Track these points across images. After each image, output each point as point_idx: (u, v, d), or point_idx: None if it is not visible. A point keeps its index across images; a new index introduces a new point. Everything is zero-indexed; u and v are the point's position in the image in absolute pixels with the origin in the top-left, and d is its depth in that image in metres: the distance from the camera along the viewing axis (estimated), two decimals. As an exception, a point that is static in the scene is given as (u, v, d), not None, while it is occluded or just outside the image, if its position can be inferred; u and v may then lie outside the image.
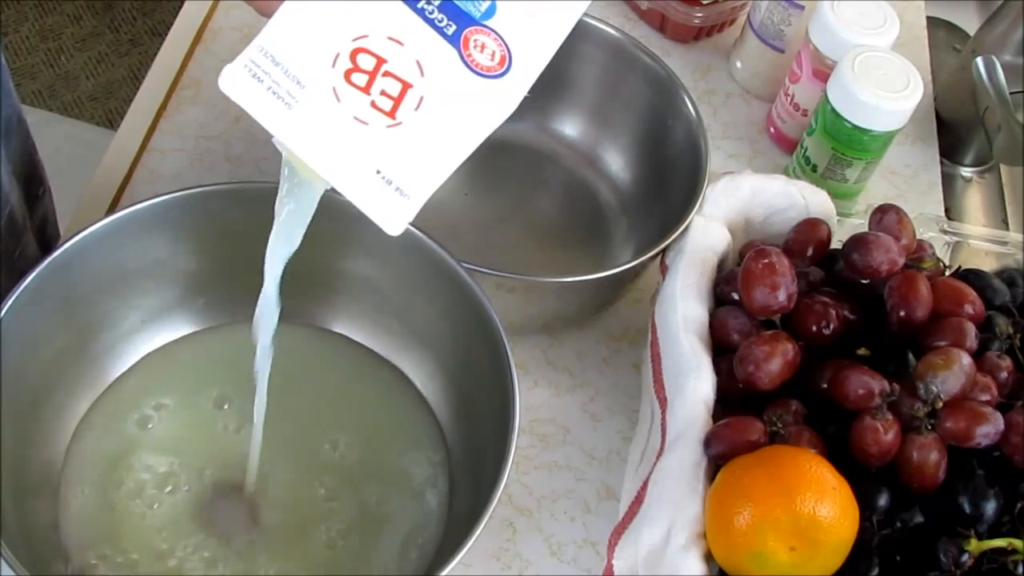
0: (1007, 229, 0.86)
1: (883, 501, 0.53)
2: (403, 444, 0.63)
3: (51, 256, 0.55)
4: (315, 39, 0.44)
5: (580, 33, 0.74)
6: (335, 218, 0.61)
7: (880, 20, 0.76)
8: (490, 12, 0.45)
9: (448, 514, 0.61)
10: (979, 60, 0.80)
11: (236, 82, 0.43)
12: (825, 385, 0.56)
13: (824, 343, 0.58)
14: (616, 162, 0.77)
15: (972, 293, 0.59)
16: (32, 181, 0.71)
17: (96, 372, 0.62)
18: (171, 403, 0.62)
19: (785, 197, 0.66)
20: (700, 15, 0.86)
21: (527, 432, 0.67)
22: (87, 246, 0.57)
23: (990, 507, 0.53)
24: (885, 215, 0.62)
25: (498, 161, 0.78)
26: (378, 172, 0.44)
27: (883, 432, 0.53)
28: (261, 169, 0.76)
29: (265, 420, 0.62)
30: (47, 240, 0.75)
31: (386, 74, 0.44)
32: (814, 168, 0.77)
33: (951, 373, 0.53)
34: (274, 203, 0.61)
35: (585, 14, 0.73)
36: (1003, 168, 0.90)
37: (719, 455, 0.55)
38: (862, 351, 0.58)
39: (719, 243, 0.64)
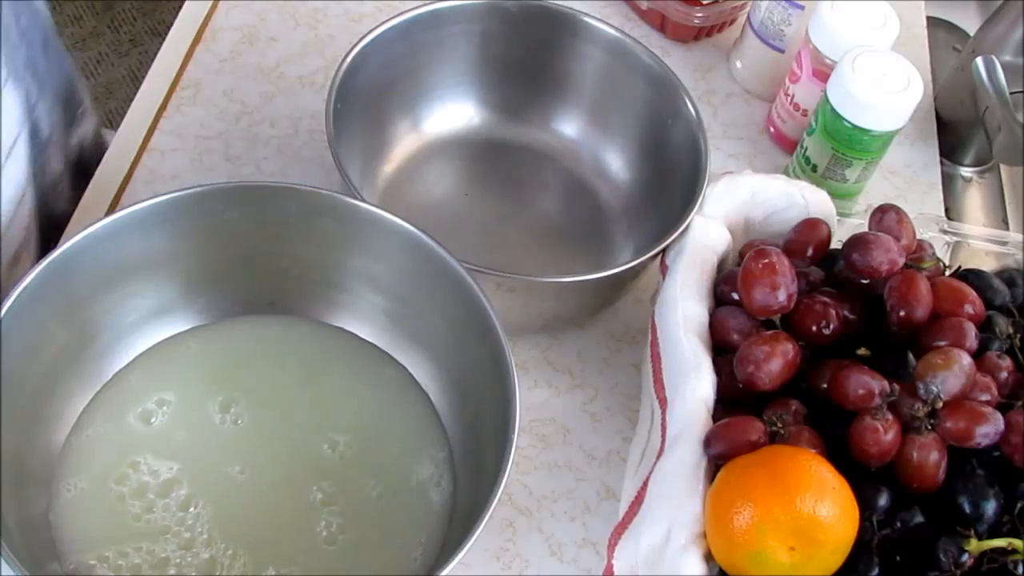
0: (1007, 229, 0.86)
1: (883, 501, 0.53)
2: (406, 440, 0.63)
3: (51, 256, 0.55)
4: None
5: (580, 33, 0.74)
6: (339, 218, 0.62)
7: (880, 20, 0.76)
8: None
9: (451, 513, 0.61)
10: (979, 60, 0.80)
11: None
12: (825, 385, 0.56)
13: (824, 343, 0.58)
14: (616, 162, 0.77)
15: (972, 293, 0.59)
16: (71, 102, 0.71)
17: (97, 370, 0.62)
18: (173, 398, 0.62)
19: (785, 197, 0.66)
20: (700, 15, 0.86)
21: (527, 432, 0.67)
22: (87, 246, 0.57)
23: (990, 507, 0.53)
24: (885, 215, 0.62)
25: (498, 161, 0.78)
26: None
27: (883, 432, 0.53)
28: (261, 169, 0.76)
29: (267, 416, 0.62)
30: (84, 162, 0.75)
31: None
32: (814, 168, 0.77)
33: (951, 373, 0.53)
34: (274, 202, 0.61)
35: (585, 14, 0.74)
36: (1003, 168, 0.90)
37: (719, 455, 0.55)
38: (862, 351, 0.58)
39: (719, 243, 0.64)
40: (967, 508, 0.53)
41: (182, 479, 0.59)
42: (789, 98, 0.81)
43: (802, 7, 0.80)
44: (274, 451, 0.61)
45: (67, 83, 0.70)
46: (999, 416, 0.54)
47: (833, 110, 0.73)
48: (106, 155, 0.75)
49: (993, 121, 0.79)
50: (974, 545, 0.52)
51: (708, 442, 0.55)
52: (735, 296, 0.61)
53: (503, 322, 0.57)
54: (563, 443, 0.68)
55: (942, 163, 0.87)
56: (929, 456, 0.54)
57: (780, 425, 0.55)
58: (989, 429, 0.53)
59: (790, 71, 0.80)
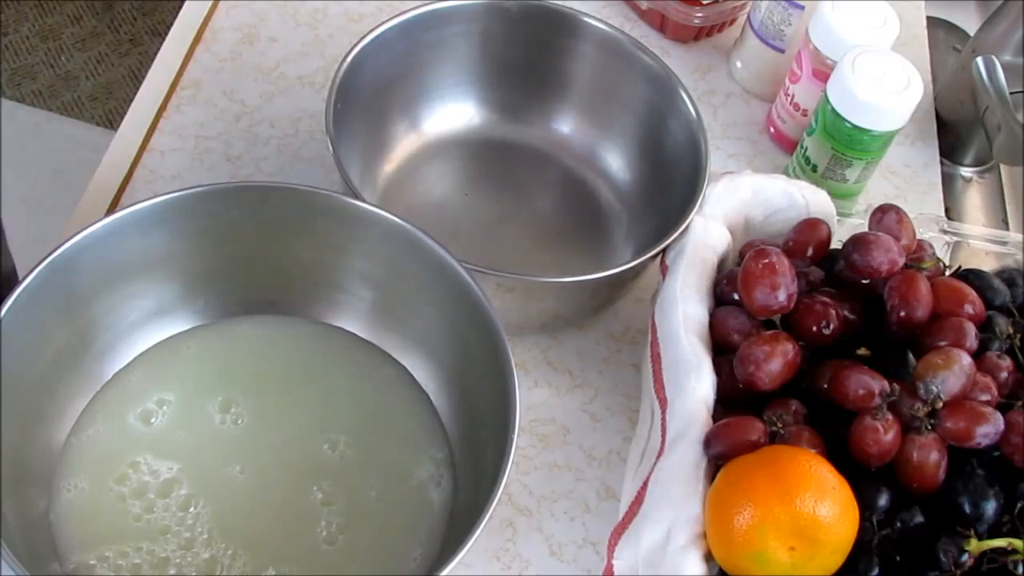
0: (1007, 229, 0.86)
1: (883, 501, 0.53)
2: (406, 440, 0.63)
3: (51, 256, 0.55)
4: None
5: (580, 33, 0.74)
6: (339, 218, 0.62)
7: (880, 20, 0.76)
8: None
9: (451, 513, 0.61)
10: (979, 60, 0.80)
11: None
12: (825, 385, 0.56)
13: (824, 343, 0.58)
14: (616, 162, 0.77)
15: (972, 293, 0.59)
16: None
17: (97, 370, 0.62)
18: (173, 398, 0.62)
19: (785, 197, 0.66)
20: (700, 15, 0.86)
21: (527, 432, 0.67)
22: (87, 246, 0.57)
23: (990, 507, 0.53)
24: (885, 215, 0.62)
25: (498, 161, 0.78)
26: None
27: (883, 432, 0.53)
28: (261, 169, 0.76)
29: (267, 416, 0.62)
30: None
31: None
32: (814, 168, 0.77)
33: (951, 373, 0.53)
34: (274, 202, 0.61)
35: (585, 14, 0.74)
36: (1003, 168, 0.90)
37: (719, 455, 0.55)
38: (862, 351, 0.58)
39: (719, 243, 0.64)
40: (967, 508, 0.53)
41: (182, 479, 0.59)
42: (789, 98, 0.81)
43: (802, 7, 0.80)
44: (274, 451, 0.61)
45: None
46: (999, 416, 0.54)
47: (833, 110, 0.73)
48: (106, 155, 0.75)
49: (993, 121, 0.79)
50: (974, 545, 0.52)
51: (708, 442, 0.55)
52: (735, 296, 0.61)
53: (503, 322, 0.57)
54: (563, 443, 0.68)
55: (942, 163, 0.87)
56: (929, 456, 0.54)
57: (780, 425, 0.55)
58: (989, 429, 0.53)
59: (790, 71, 0.80)
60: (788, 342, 0.57)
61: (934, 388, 0.53)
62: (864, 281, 0.60)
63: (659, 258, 0.65)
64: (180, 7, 0.84)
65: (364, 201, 0.61)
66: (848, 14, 0.75)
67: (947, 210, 0.85)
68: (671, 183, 0.71)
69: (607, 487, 0.66)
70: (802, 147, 0.78)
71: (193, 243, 0.62)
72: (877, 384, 0.54)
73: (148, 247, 0.60)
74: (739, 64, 0.87)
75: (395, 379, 0.65)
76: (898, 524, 0.53)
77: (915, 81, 0.72)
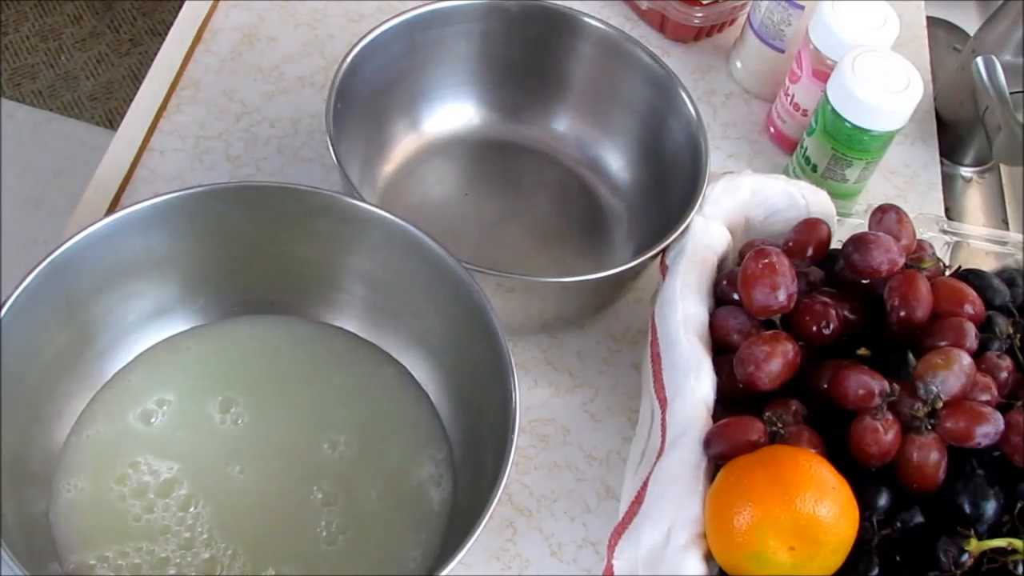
0: (1007, 229, 0.86)
1: (883, 501, 0.53)
2: (406, 440, 0.63)
3: (51, 256, 0.55)
4: None
5: (580, 33, 0.74)
6: (339, 218, 0.62)
7: (880, 20, 0.76)
8: None
9: (451, 513, 0.61)
10: (979, 60, 0.80)
11: None
12: (825, 385, 0.56)
13: (824, 343, 0.58)
14: (616, 162, 0.77)
15: (972, 293, 0.59)
16: None
17: (97, 370, 0.62)
18: (173, 398, 0.62)
19: (785, 197, 0.66)
20: (700, 15, 0.86)
21: (527, 432, 0.67)
22: (87, 246, 0.57)
23: (990, 507, 0.53)
24: (885, 215, 0.62)
25: (498, 161, 0.78)
26: None
27: (883, 432, 0.53)
28: (261, 169, 0.76)
29: (267, 416, 0.62)
30: None
31: None
32: (814, 168, 0.77)
33: (951, 373, 0.53)
34: (274, 202, 0.61)
35: (585, 14, 0.74)
36: (1003, 168, 0.90)
37: (719, 455, 0.55)
38: (862, 351, 0.58)
39: (719, 243, 0.64)
40: (967, 508, 0.53)
41: (182, 479, 0.59)
42: (789, 98, 0.81)
43: (802, 7, 0.80)
44: (274, 451, 0.61)
45: None
46: (999, 416, 0.54)
47: (833, 110, 0.73)
48: (106, 155, 0.75)
49: (993, 121, 0.79)
50: (974, 545, 0.52)
51: (708, 442, 0.55)
52: (735, 296, 0.61)
53: (503, 322, 0.57)
54: (563, 443, 0.68)
55: (942, 163, 0.87)
56: (929, 456, 0.54)
57: (780, 425, 0.55)
58: (989, 429, 0.53)
59: (790, 71, 0.80)
60: (788, 342, 0.57)
61: (934, 388, 0.53)
62: (864, 281, 0.60)
63: (659, 258, 0.65)
64: (180, 7, 0.84)
65: (364, 201, 0.61)
66: (848, 14, 0.75)
67: (947, 210, 0.85)
68: (671, 183, 0.71)
69: (607, 487, 0.66)
70: (802, 147, 0.78)
71: (193, 243, 0.62)
72: (877, 384, 0.54)
73: (148, 247, 0.60)
74: (739, 64, 0.87)
75: (395, 379, 0.65)
76: (898, 524, 0.53)
77: (915, 81, 0.72)
